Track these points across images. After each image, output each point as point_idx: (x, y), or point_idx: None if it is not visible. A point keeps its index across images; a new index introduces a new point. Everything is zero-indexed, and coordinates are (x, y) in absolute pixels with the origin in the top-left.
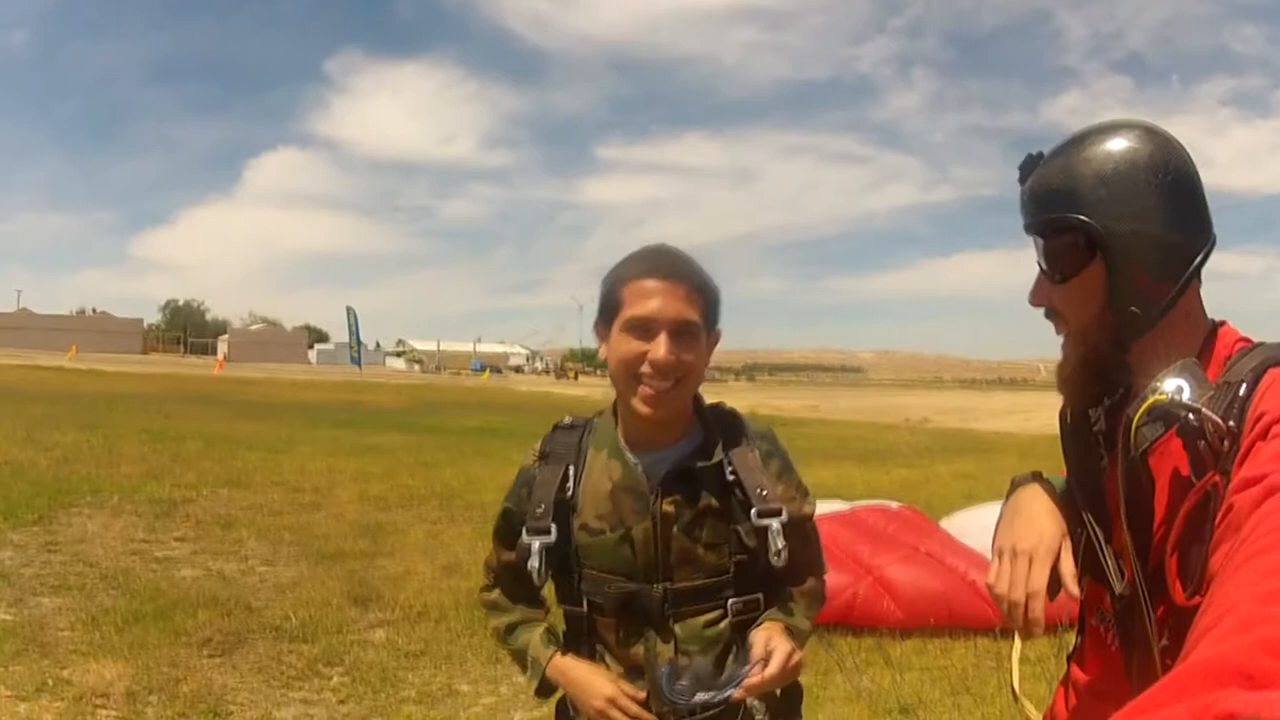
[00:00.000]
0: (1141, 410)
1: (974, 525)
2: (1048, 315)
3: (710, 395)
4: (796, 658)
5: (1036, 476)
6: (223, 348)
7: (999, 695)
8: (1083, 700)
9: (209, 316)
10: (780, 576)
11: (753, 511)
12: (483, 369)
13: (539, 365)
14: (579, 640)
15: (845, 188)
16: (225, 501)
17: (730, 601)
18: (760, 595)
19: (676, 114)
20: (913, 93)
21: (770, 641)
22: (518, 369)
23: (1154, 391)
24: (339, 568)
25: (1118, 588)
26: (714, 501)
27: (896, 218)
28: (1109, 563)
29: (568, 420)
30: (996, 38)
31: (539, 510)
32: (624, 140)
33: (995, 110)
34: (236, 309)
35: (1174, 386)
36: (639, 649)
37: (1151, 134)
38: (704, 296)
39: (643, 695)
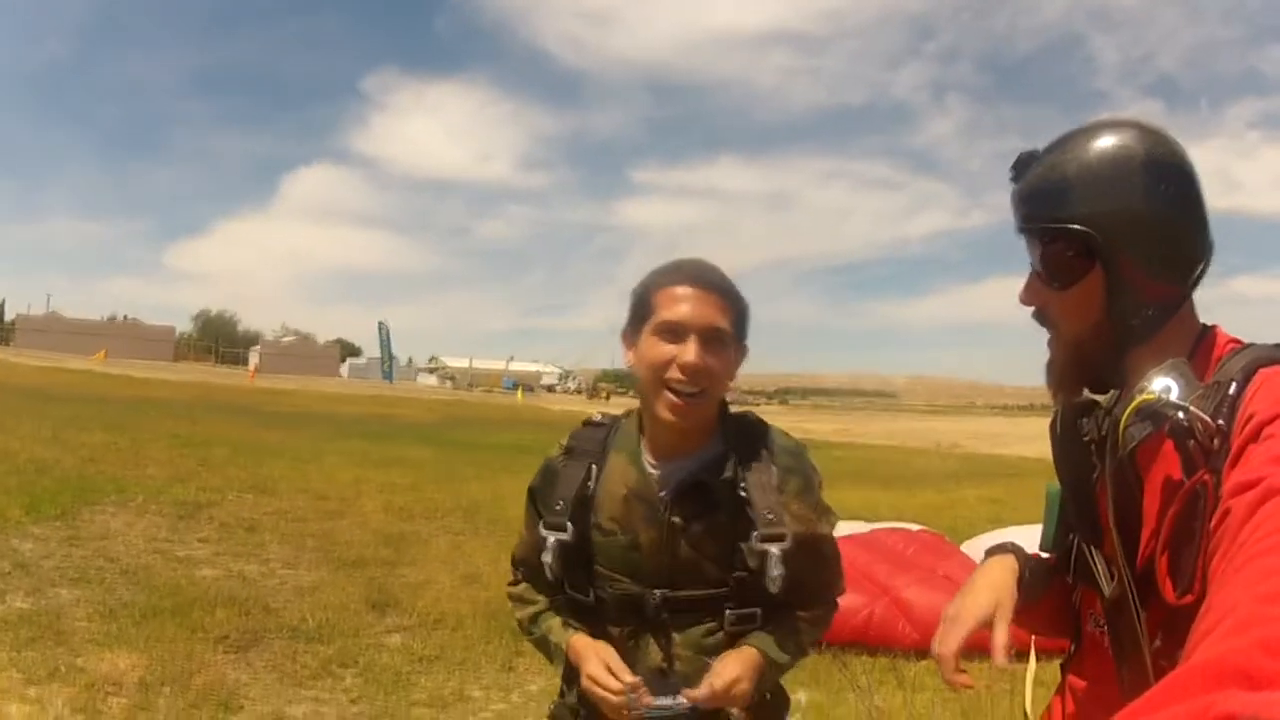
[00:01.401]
0: (1130, 409)
1: None
2: (1036, 316)
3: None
4: (737, 689)
5: (1011, 548)
6: (255, 359)
7: (1011, 717)
8: (1080, 706)
9: (241, 328)
10: (784, 597)
11: (754, 534)
12: (515, 387)
13: (571, 385)
14: (589, 627)
15: (880, 214)
16: (250, 506)
17: (728, 614)
18: (758, 611)
19: (712, 138)
20: (947, 119)
21: (725, 669)
22: (550, 388)
23: (1142, 391)
24: (359, 574)
25: (1106, 590)
26: (723, 516)
27: (930, 243)
28: (1098, 567)
29: (597, 417)
30: (1030, 63)
31: (557, 506)
32: (659, 163)
33: (1029, 136)
34: (269, 321)
35: (1162, 386)
36: (634, 649)
37: (1147, 131)
38: (734, 307)
39: (629, 678)
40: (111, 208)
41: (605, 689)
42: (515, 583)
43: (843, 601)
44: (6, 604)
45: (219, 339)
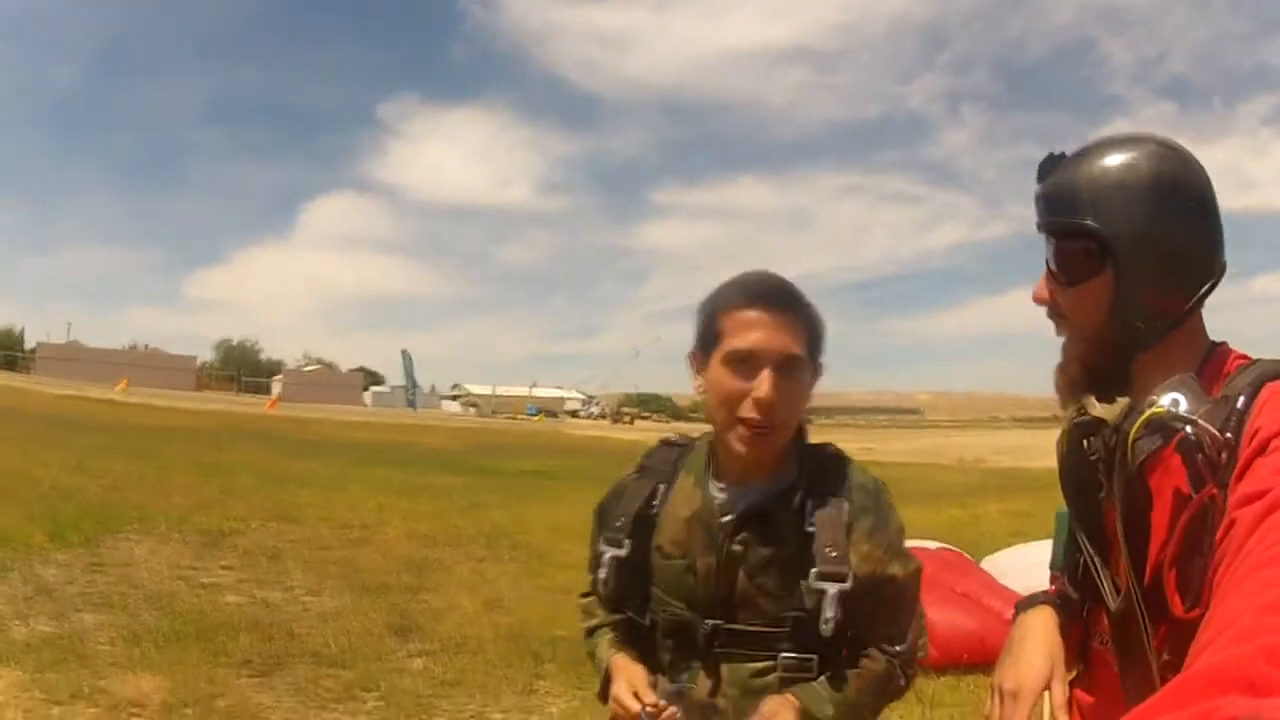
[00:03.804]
0: (1139, 423)
1: (1017, 564)
2: (1050, 314)
3: None
4: None
5: (1045, 599)
6: (277, 387)
7: None
8: None
9: (263, 356)
10: (840, 643)
11: (813, 571)
12: (538, 413)
13: (595, 410)
14: (641, 650)
15: (899, 228)
16: (274, 534)
17: (782, 656)
18: (815, 657)
19: (730, 157)
20: (963, 129)
21: (770, 714)
22: (574, 413)
23: (1151, 405)
24: (382, 600)
25: (1112, 604)
26: (786, 549)
27: (951, 256)
28: (1104, 583)
29: (674, 436)
30: (1043, 69)
31: (618, 523)
32: (678, 184)
33: (1044, 143)
34: (291, 350)
35: (1170, 400)
36: (683, 677)
37: (1169, 150)
38: (809, 328)
39: (650, 699)
40: (131, 237)
41: (624, 708)
42: (586, 594)
43: None
44: (30, 627)
45: (241, 368)
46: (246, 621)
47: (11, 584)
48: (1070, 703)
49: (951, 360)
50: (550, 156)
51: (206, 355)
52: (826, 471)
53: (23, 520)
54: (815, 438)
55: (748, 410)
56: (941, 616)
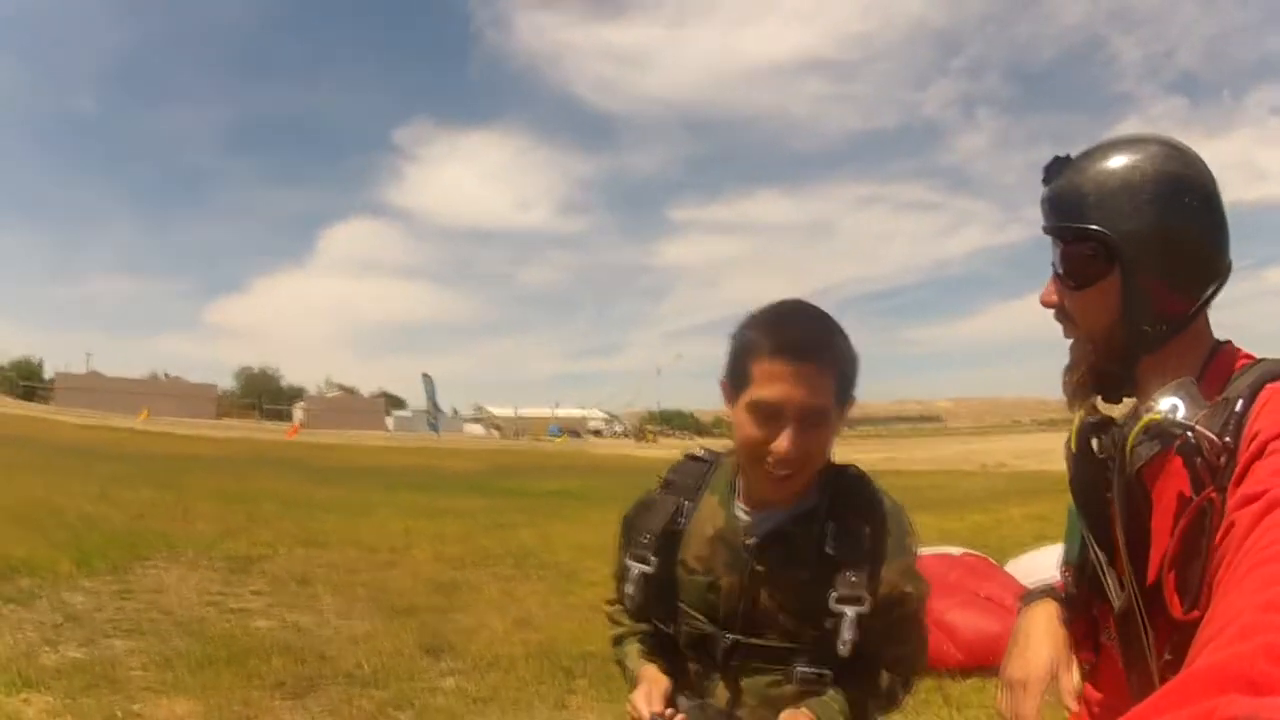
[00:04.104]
0: (1137, 429)
1: (1040, 566)
2: (1058, 317)
3: None
4: None
5: (1048, 592)
6: (299, 414)
7: None
8: (1095, 718)
9: (284, 383)
10: (856, 662)
11: (832, 595)
12: (560, 433)
13: (618, 429)
14: (667, 659)
15: (918, 236)
16: (302, 560)
17: (798, 671)
18: (829, 672)
19: (748, 171)
20: (979, 133)
21: None
22: (597, 432)
23: (1149, 411)
24: (412, 621)
25: (1116, 603)
26: (807, 571)
27: (969, 262)
28: (1109, 582)
29: (699, 452)
30: (1055, 70)
31: (644, 539)
32: (697, 201)
33: (1060, 144)
34: (312, 376)
35: (1169, 405)
36: (705, 689)
37: (1174, 150)
38: (839, 373)
39: (659, 708)
40: (150, 265)
41: (636, 712)
42: (613, 602)
43: None
44: (60, 654)
45: (262, 395)
46: (278, 645)
47: (40, 611)
48: (1081, 697)
49: (972, 366)
50: (569, 177)
51: (227, 383)
52: (849, 494)
53: (49, 549)
54: (841, 449)
55: (770, 459)
56: (966, 620)
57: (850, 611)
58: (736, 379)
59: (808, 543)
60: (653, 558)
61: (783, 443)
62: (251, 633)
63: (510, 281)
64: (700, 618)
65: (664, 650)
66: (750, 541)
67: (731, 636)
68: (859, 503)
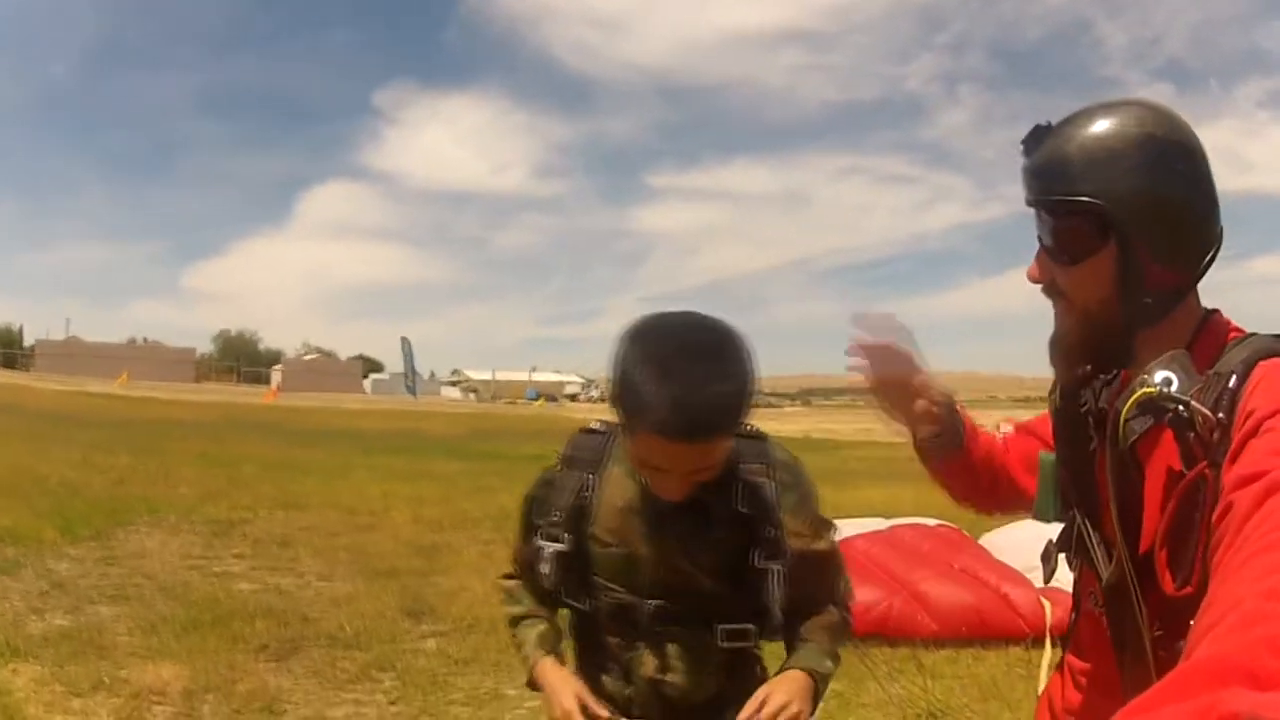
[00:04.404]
0: (1130, 403)
1: (1012, 540)
2: (1047, 292)
3: (765, 421)
4: (789, 713)
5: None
6: (276, 377)
7: (1027, 700)
8: (1080, 689)
9: (262, 347)
10: (789, 613)
11: (756, 553)
12: (537, 398)
13: (595, 393)
14: (584, 637)
15: (898, 209)
16: (282, 522)
17: (719, 627)
18: (751, 626)
19: (726, 139)
20: (960, 109)
21: (773, 697)
22: (573, 397)
23: (1142, 384)
24: (393, 584)
25: (1104, 574)
26: (722, 533)
27: (948, 237)
28: (1095, 549)
29: (595, 425)
30: (1040, 50)
31: (554, 517)
32: (675, 167)
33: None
34: (290, 340)
35: (1162, 378)
36: (629, 658)
37: (1157, 111)
38: (730, 431)
39: (604, 714)
40: (126, 231)
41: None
42: (509, 577)
43: (862, 595)
44: (46, 621)
45: (240, 359)
46: (261, 608)
47: (25, 580)
48: (1062, 663)
49: (949, 341)
50: (546, 141)
51: (205, 347)
52: (750, 454)
53: (32, 517)
54: (818, 419)
55: (662, 494)
56: (941, 591)
57: (776, 566)
58: (627, 423)
59: (721, 503)
60: (566, 535)
61: (674, 493)
62: (234, 596)
63: (487, 245)
64: (619, 589)
65: (580, 627)
66: (662, 510)
67: (654, 603)
68: (762, 460)
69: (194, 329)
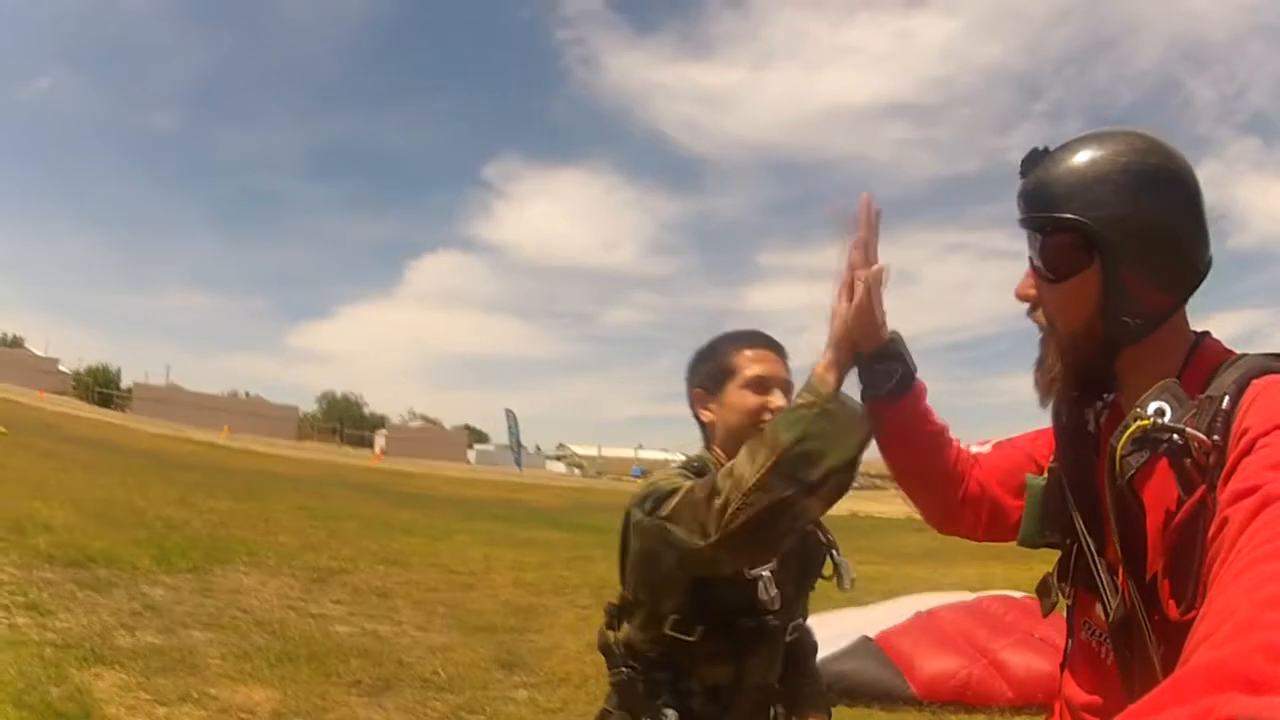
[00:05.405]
0: (1125, 438)
1: None
2: (1030, 312)
3: (872, 504)
4: None
5: None
6: (381, 441)
7: None
8: None
9: (366, 410)
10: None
11: (834, 552)
12: (642, 475)
13: None
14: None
15: (1000, 284)
16: (382, 576)
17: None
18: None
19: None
20: None
21: None
22: None
23: (1136, 418)
24: (489, 638)
25: (1112, 606)
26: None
27: None
28: (1102, 577)
29: (696, 463)
30: (1134, 112)
31: None
32: (785, 245)
33: None
34: (393, 405)
35: (1155, 409)
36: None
37: (1151, 141)
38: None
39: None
40: (231, 283)
41: None
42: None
43: (943, 663)
44: (136, 638)
45: (344, 421)
46: (357, 648)
47: (116, 599)
48: (1060, 690)
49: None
50: (656, 217)
51: (308, 406)
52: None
53: (129, 544)
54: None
55: (768, 417)
56: (1019, 659)
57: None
58: (720, 377)
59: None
60: None
61: (778, 400)
62: (331, 636)
63: (595, 320)
64: (756, 615)
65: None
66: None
67: (777, 621)
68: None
69: (294, 387)
